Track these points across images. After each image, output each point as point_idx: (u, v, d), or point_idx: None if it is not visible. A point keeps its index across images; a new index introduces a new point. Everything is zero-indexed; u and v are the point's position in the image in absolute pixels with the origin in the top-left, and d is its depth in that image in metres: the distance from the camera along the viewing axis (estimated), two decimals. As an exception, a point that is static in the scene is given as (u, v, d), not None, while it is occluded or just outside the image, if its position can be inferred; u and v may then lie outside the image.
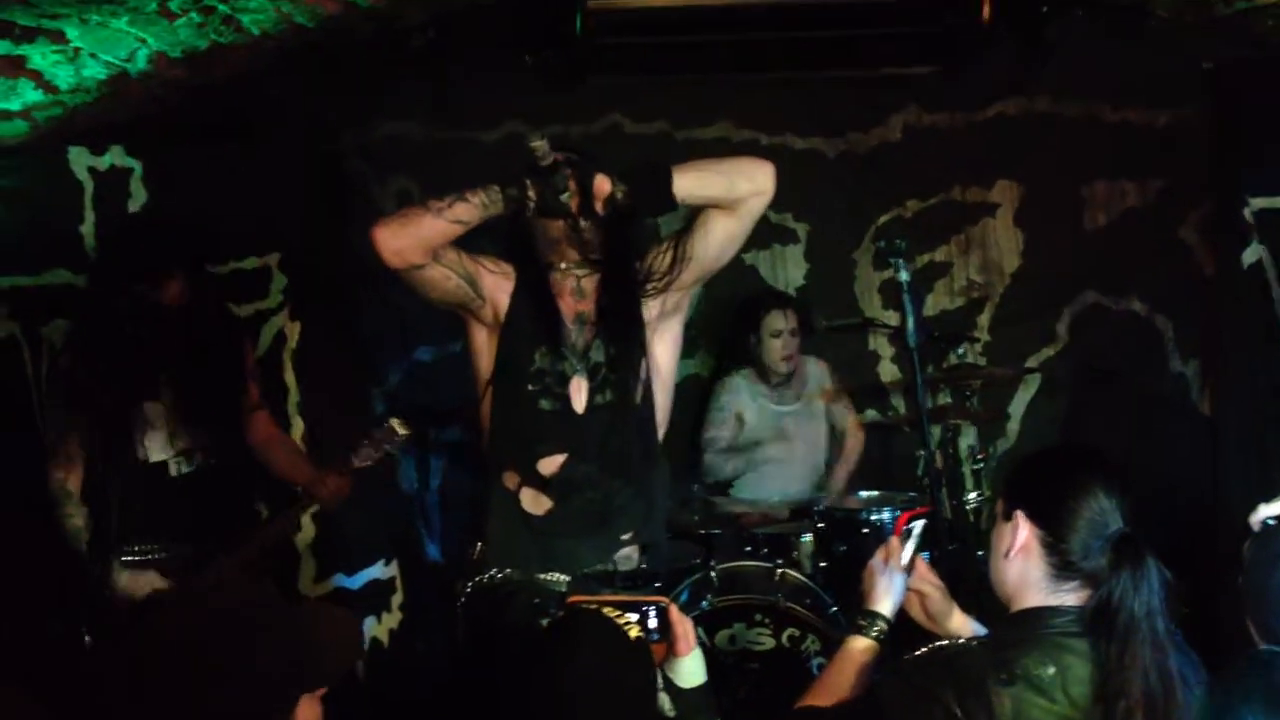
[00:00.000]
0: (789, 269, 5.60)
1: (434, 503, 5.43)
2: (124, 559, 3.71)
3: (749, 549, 4.55)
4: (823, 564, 4.51)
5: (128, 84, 4.35)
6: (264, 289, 4.70)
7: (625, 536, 3.21)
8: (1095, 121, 5.44)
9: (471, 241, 3.14)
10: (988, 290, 5.62)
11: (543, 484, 3.12)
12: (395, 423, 3.86)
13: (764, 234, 5.53)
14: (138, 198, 4.42)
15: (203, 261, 4.07)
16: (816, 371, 5.29)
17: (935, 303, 5.61)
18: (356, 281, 4.89)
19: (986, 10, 4.67)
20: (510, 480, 3.16)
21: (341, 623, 2.07)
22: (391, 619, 4.64)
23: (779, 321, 5.08)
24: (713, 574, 4.26)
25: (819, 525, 4.59)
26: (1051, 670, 2.14)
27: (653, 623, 2.45)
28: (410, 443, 4.16)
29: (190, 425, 3.84)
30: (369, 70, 5.10)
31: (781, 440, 5.12)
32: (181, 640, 1.84)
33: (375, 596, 4.61)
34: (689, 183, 2.99)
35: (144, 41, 4.03)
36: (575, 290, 3.16)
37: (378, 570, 4.65)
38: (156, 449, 3.81)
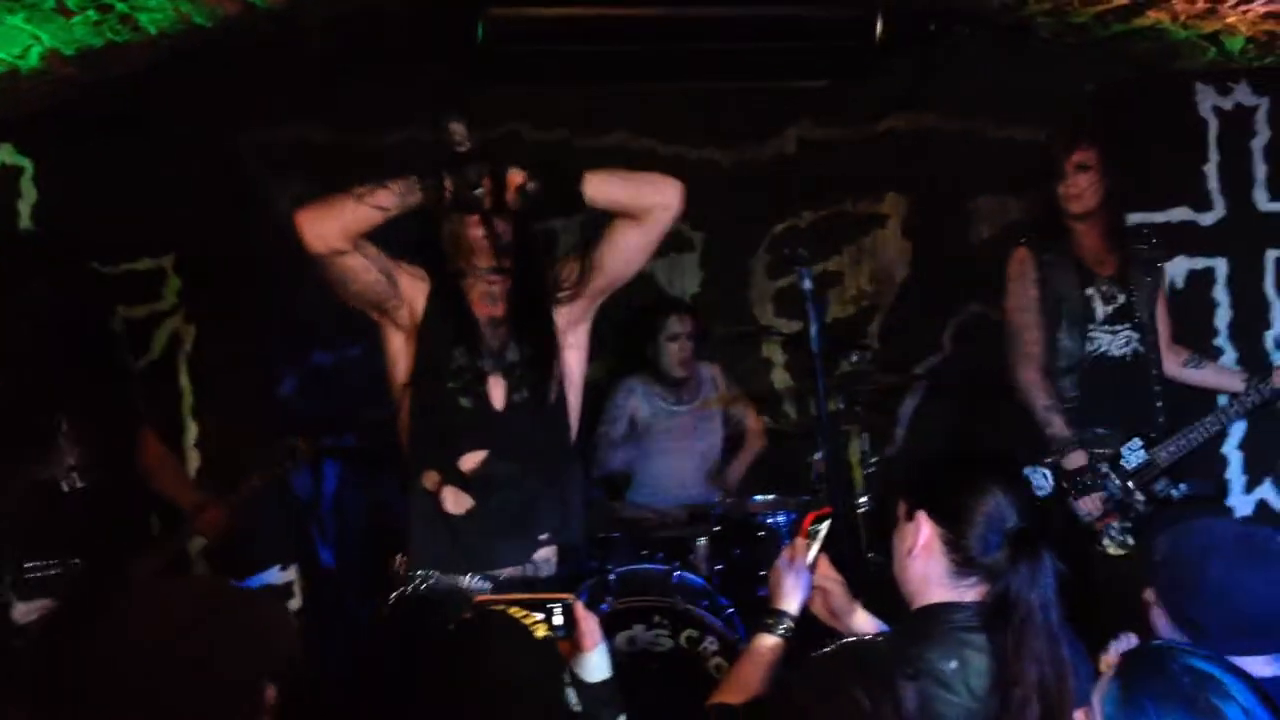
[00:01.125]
0: (685, 277, 5.68)
1: (328, 509, 5.38)
2: (21, 578, 3.64)
3: (646, 552, 4.61)
4: (719, 566, 4.59)
5: (19, 81, 4.26)
6: (158, 291, 4.65)
7: (543, 537, 3.26)
8: (980, 137, 5.61)
9: (385, 246, 3.17)
10: (877, 300, 5.76)
11: (464, 482, 3.16)
12: (301, 442, 3.84)
13: (661, 242, 5.59)
14: (28, 197, 4.35)
15: (81, 265, 4.00)
16: (710, 375, 5.37)
17: (829, 311, 5.72)
18: (253, 284, 4.85)
19: (878, 28, 4.79)
20: (430, 480, 3.19)
21: (278, 608, 2.10)
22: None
23: (675, 326, 5.16)
24: (611, 576, 4.31)
25: (715, 528, 4.67)
26: (954, 664, 2.23)
27: (558, 620, 2.51)
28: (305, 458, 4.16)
29: (81, 441, 3.78)
30: (268, 71, 5.06)
31: (676, 437, 5.20)
32: (153, 640, 1.84)
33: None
34: (597, 185, 3.08)
35: (38, 39, 3.96)
36: (487, 295, 3.20)
37: (273, 575, 4.61)
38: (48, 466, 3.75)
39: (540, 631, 2.34)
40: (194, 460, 4.61)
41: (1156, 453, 4.33)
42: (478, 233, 3.15)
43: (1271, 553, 2.40)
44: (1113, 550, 4.21)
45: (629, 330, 5.31)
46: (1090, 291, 4.38)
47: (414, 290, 3.25)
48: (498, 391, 3.22)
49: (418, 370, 3.23)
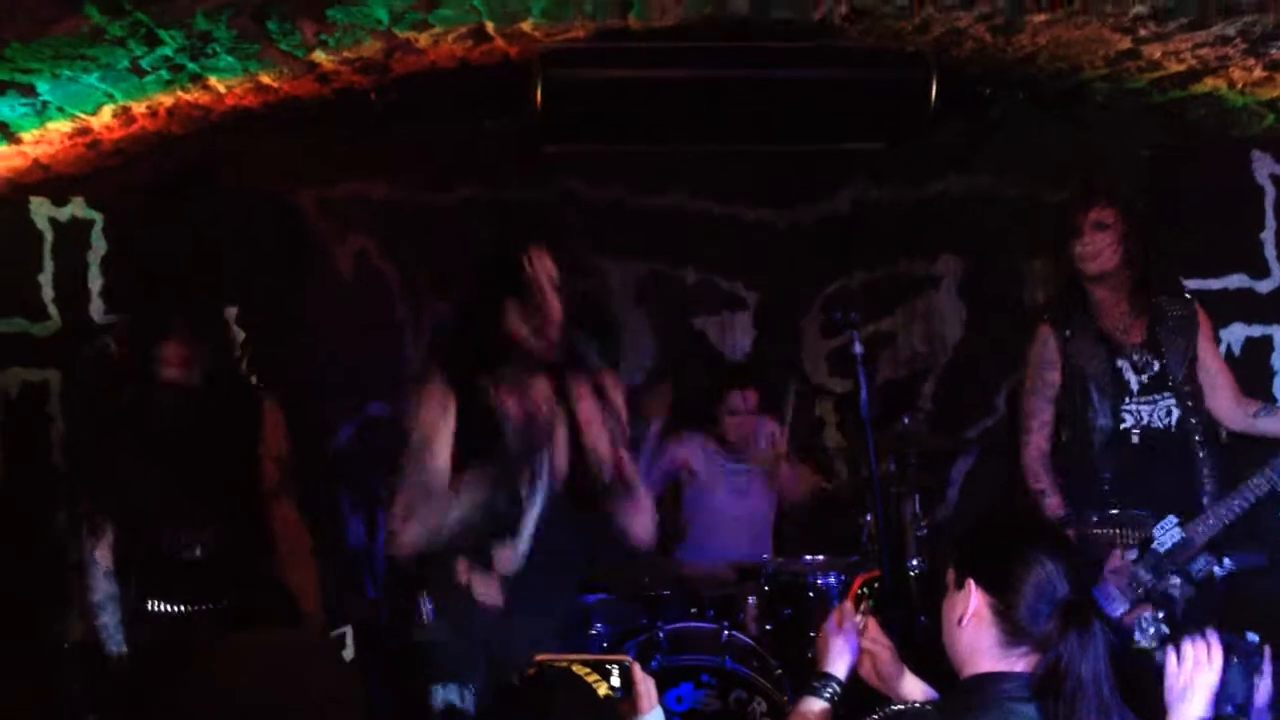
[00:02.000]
0: (738, 335, 5.71)
1: (380, 555, 5.43)
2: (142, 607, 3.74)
3: (695, 610, 4.61)
4: (768, 626, 4.58)
5: (91, 136, 4.40)
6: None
7: None
8: (1035, 201, 5.62)
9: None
10: (930, 361, 5.75)
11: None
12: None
13: (714, 300, 5.65)
14: (98, 249, 4.45)
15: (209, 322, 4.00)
16: (769, 432, 5.37)
17: (880, 372, 5.74)
18: (312, 335, 4.93)
19: (933, 92, 4.82)
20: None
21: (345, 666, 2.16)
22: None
23: (736, 401, 5.17)
24: (660, 635, 4.32)
25: (765, 588, 4.66)
26: None
27: (615, 681, 2.52)
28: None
29: (199, 514, 3.82)
30: (330, 129, 5.18)
31: (731, 495, 5.20)
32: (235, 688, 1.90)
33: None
34: None
35: (111, 96, 4.09)
36: None
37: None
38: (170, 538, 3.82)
39: (602, 691, 2.36)
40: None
41: (1193, 529, 3.96)
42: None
43: None
44: (1145, 645, 3.69)
45: (691, 390, 5.34)
46: (1121, 363, 4.17)
47: None
48: None
49: None
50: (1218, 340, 4.40)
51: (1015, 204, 5.64)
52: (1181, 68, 4.61)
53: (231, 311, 4.73)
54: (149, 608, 3.75)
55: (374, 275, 5.39)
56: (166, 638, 3.66)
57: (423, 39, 4.40)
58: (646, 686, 2.58)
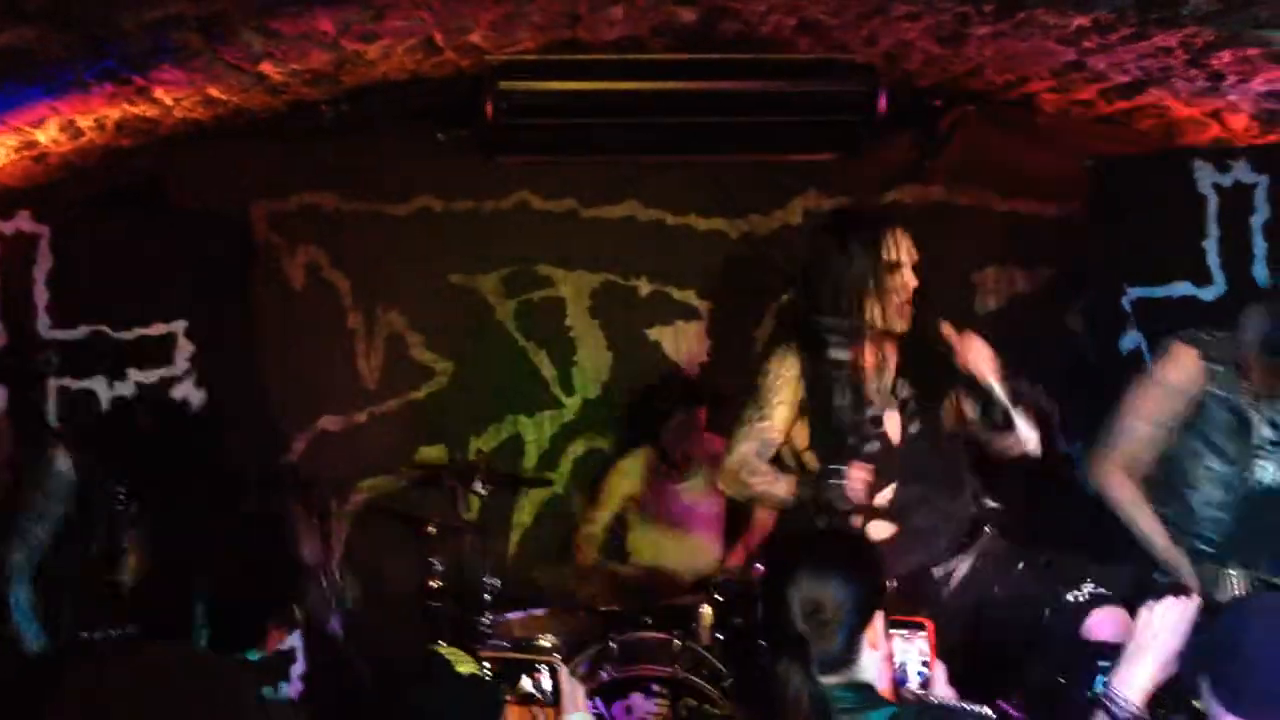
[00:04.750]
0: (692, 345, 5.72)
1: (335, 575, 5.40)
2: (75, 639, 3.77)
3: (649, 620, 4.61)
4: (719, 635, 4.59)
5: (38, 150, 4.38)
6: (169, 355, 4.71)
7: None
8: (986, 211, 5.66)
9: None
10: (884, 369, 5.78)
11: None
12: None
13: (667, 311, 5.66)
14: (44, 263, 4.42)
15: None
16: (716, 447, 5.37)
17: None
18: (262, 348, 4.91)
19: (882, 103, 4.86)
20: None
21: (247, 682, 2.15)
22: (291, 689, 4.62)
23: (682, 418, 5.18)
24: (612, 644, 4.32)
25: (717, 598, 4.67)
26: None
27: (546, 684, 2.56)
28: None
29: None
30: (281, 140, 5.18)
31: (679, 509, 5.22)
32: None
33: (275, 667, 4.58)
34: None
35: (55, 109, 4.07)
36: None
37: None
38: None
39: (463, 667, 2.50)
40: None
41: None
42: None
43: None
44: None
45: (639, 403, 5.35)
46: (1254, 414, 3.69)
47: None
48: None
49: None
50: None
51: (966, 214, 5.67)
52: (1126, 79, 4.66)
53: (180, 325, 4.74)
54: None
55: (325, 287, 5.38)
56: None
57: (372, 50, 4.41)
58: (570, 688, 2.64)
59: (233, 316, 4.82)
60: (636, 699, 4.17)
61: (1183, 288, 4.54)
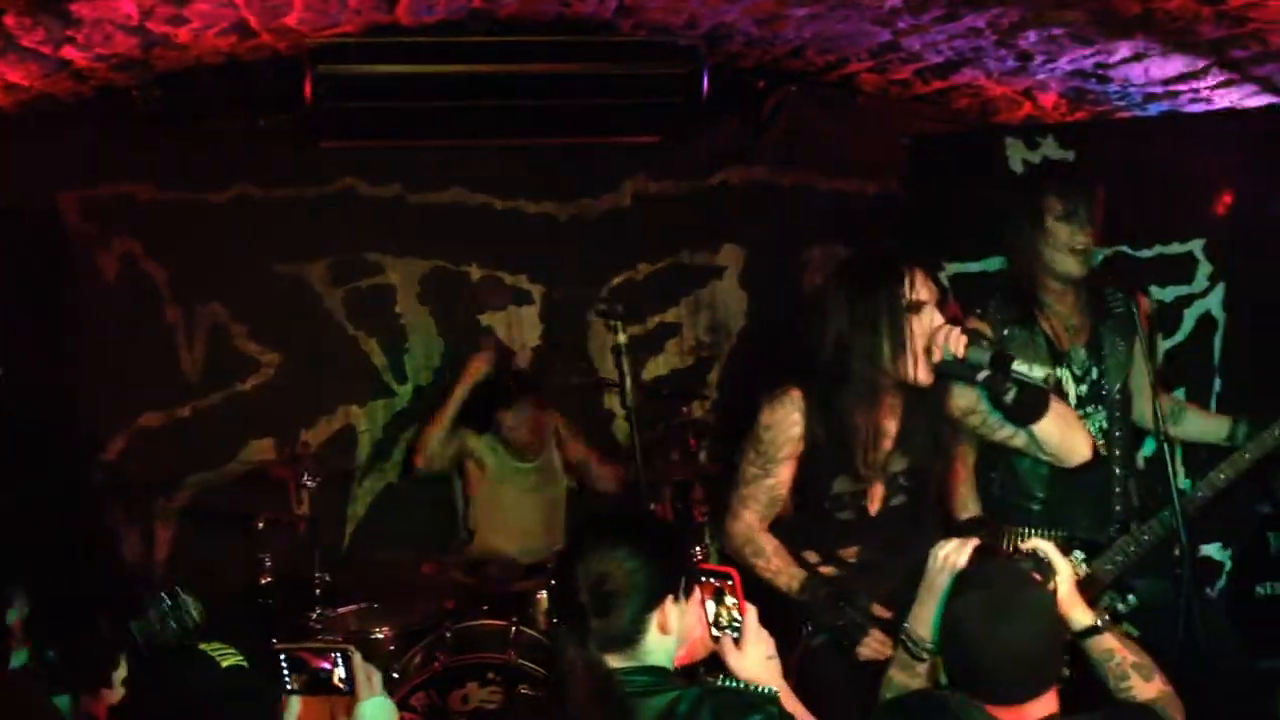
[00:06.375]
0: (524, 330, 5.70)
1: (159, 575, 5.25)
2: None
3: (486, 608, 4.59)
4: (556, 620, 4.58)
5: None
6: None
7: None
8: (810, 190, 5.76)
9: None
10: (715, 350, 5.85)
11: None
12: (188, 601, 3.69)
13: (500, 295, 5.63)
14: None
15: None
16: (554, 427, 5.36)
17: (666, 362, 5.81)
18: (76, 343, 4.73)
19: (706, 85, 4.90)
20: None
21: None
22: (112, 695, 4.47)
23: (524, 407, 5.15)
24: (447, 634, 4.29)
25: (554, 583, 4.66)
26: None
27: (341, 671, 2.54)
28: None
29: None
30: (92, 128, 5.00)
31: (521, 491, 5.20)
32: None
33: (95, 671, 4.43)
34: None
35: None
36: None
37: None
38: None
39: (227, 662, 2.46)
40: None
41: (1100, 566, 3.60)
42: None
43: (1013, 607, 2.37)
44: None
45: (479, 392, 5.30)
46: (1062, 373, 3.71)
47: None
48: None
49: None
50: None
51: (791, 194, 5.76)
52: (939, 59, 4.78)
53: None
54: None
55: (141, 278, 5.20)
56: None
57: (182, 34, 4.28)
58: (367, 674, 2.61)
59: (44, 310, 4.62)
60: (472, 688, 4.14)
61: (996, 262, 4.65)
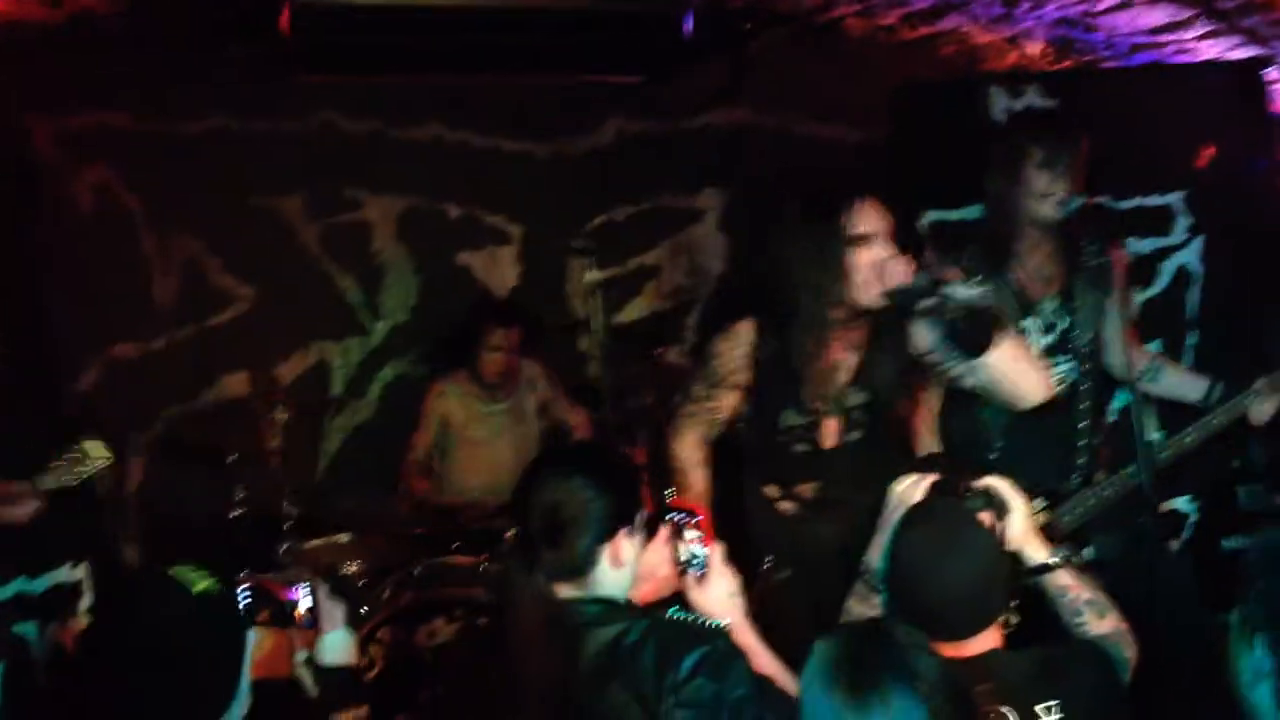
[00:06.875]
0: (503, 270, 5.67)
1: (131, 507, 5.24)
2: None
3: (457, 545, 4.59)
4: (508, 550, 4.58)
5: None
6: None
7: None
8: (793, 134, 5.71)
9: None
10: (694, 294, 5.82)
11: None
12: (90, 446, 3.63)
13: (478, 235, 5.60)
14: None
15: None
16: (530, 376, 5.35)
17: (646, 304, 5.79)
18: (48, 272, 4.69)
19: (689, 25, 4.84)
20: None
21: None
22: (78, 623, 4.48)
23: (498, 339, 5.11)
24: (415, 571, 4.29)
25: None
26: None
27: (307, 603, 2.54)
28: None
29: None
30: (65, 55, 4.92)
31: (490, 434, 5.19)
32: None
33: (59, 600, 4.43)
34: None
35: None
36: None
37: (63, 573, 4.47)
38: None
39: (199, 586, 2.29)
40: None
41: (1059, 516, 3.56)
42: None
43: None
44: None
45: (452, 329, 5.27)
46: (1028, 323, 3.67)
47: None
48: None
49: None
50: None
51: (772, 137, 5.71)
52: (926, 4, 4.73)
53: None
54: None
55: (117, 209, 5.15)
56: None
57: (157, -42, 4.22)
58: (331, 607, 2.63)
59: (15, 239, 4.57)
60: (439, 624, 4.14)
61: (976, 211, 4.63)
